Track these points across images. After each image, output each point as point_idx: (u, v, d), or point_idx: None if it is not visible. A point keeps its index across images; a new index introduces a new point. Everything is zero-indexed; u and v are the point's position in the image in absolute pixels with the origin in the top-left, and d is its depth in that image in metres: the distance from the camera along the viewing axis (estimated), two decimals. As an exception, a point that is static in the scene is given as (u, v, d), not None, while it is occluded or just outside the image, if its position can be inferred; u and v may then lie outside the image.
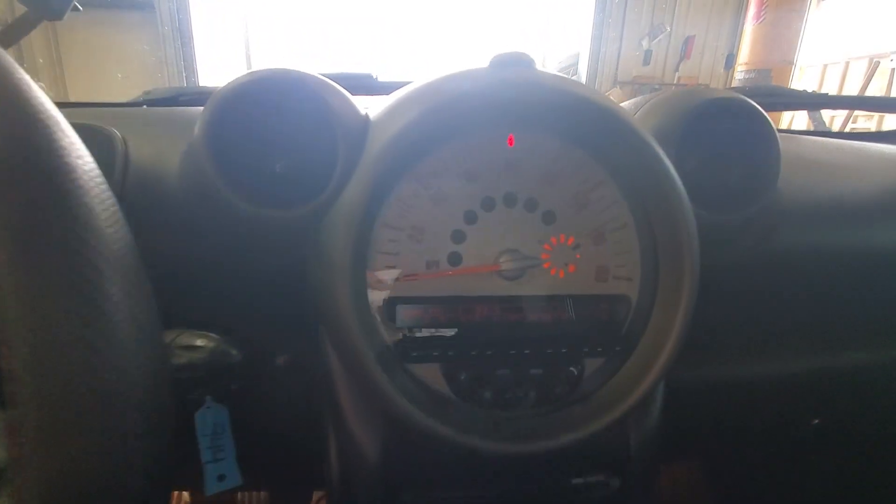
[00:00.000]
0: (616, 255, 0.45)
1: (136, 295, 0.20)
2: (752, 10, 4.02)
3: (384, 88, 0.79)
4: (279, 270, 0.46)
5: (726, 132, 0.49)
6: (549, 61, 6.02)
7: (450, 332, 0.43)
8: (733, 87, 0.78)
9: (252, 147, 0.44)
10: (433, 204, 0.43)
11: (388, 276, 0.42)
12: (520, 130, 0.44)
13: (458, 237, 0.43)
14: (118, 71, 4.13)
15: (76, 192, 0.19)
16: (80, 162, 0.20)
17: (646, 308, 0.44)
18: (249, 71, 0.43)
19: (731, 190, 0.50)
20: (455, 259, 0.43)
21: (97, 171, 0.22)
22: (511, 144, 0.44)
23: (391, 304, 0.42)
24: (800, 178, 0.56)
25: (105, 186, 0.22)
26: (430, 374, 0.43)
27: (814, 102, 0.95)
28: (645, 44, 5.32)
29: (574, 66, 5.67)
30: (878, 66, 3.44)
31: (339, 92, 0.44)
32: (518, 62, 0.43)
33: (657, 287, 0.44)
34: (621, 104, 0.54)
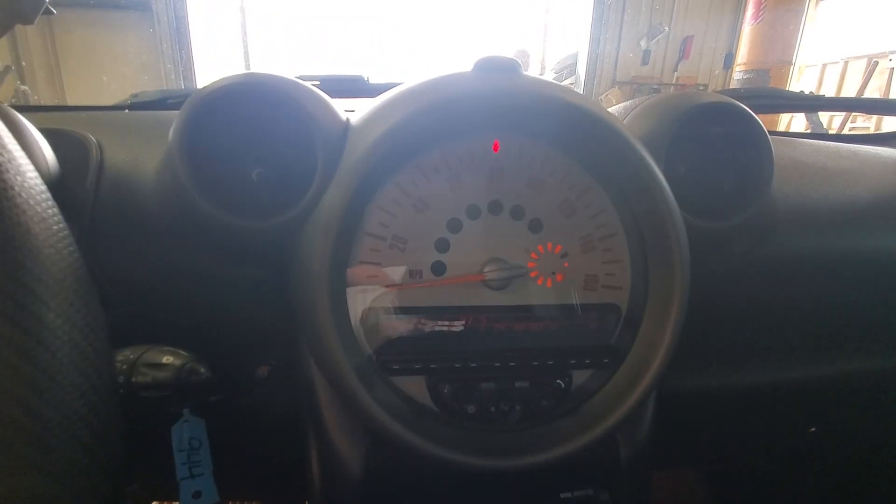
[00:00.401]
0: (605, 264, 0.44)
1: (78, 319, 0.19)
2: (750, 10, 4.01)
3: (376, 90, 0.78)
4: (259, 281, 0.45)
5: (717, 137, 0.48)
6: (549, 60, 6.01)
7: (433, 344, 0.42)
8: (730, 90, 0.77)
9: (229, 153, 0.43)
10: (416, 212, 0.42)
11: (369, 285, 0.41)
12: (505, 136, 0.43)
13: (442, 246, 0.42)
14: (116, 73, 4.12)
15: (11, 211, 0.18)
16: (18, 179, 0.19)
17: (636, 317, 0.43)
18: (225, 76, 0.42)
19: (722, 195, 0.49)
20: (439, 268, 0.42)
21: (41, 188, 0.20)
22: (496, 150, 0.43)
23: (372, 314, 0.41)
24: (794, 183, 0.55)
25: (49, 203, 0.21)
26: (414, 386, 0.41)
27: (811, 104, 0.94)
28: (643, 44, 5.31)
29: (573, 65, 5.66)
30: (876, 66, 3.44)
31: (317, 96, 0.43)
32: (503, 66, 0.42)
33: (647, 296, 0.42)
34: (610, 108, 0.53)
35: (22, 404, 0.16)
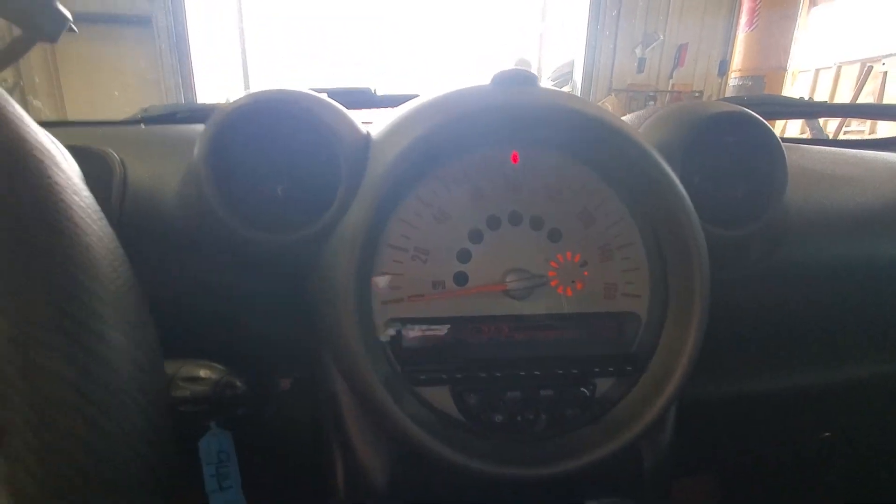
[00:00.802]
0: (624, 272, 0.45)
1: (137, 336, 0.19)
2: (744, 17, 4.06)
3: (383, 102, 0.79)
4: (281, 294, 0.45)
5: (731, 145, 0.49)
6: (545, 68, 6.06)
7: (457, 354, 0.42)
8: (735, 98, 0.78)
9: (253, 169, 0.43)
10: (437, 223, 0.42)
11: (393, 297, 0.42)
12: (523, 147, 0.43)
13: (464, 257, 0.43)
14: (116, 87, 4.14)
15: (73, 232, 0.18)
16: (76, 199, 0.19)
17: (656, 325, 0.44)
18: (249, 92, 0.42)
19: (737, 203, 0.49)
20: (461, 279, 0.43)
21: (95, 208, 0.21)
22: (515, 162, 0.43)
23: (396, 326, 0.42)
24: (802, 190, 0.56)
25: (104, 223, 0.21)
26: (439, 396, 0.42)
27: (813, 111, 0.95)
28: (639, 52, 5.37)
29: (569, 73, 5.71)
30: (871, 71, 3.47)
31: (339, 111, 0.44)
32: (521, 79, 0.43)
33: (668, 304, 0.43)
34: (623, 118, 0.53)
35: (87, 422, 0.17)
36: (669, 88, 5.47)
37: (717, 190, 0.49)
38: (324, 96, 0.45)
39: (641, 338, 0.44)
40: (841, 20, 4.82)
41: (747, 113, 0.48)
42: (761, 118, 0.48)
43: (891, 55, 4.04)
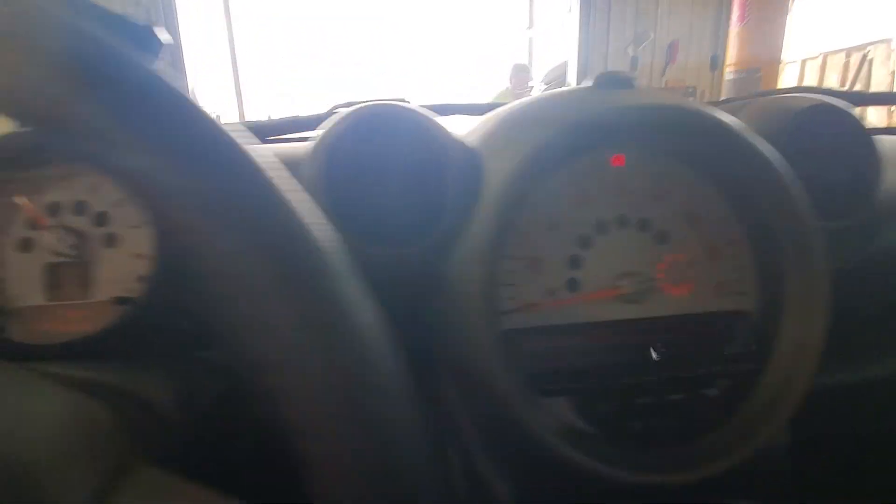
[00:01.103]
0: (732, 270, 0.44)
1: (394, 351, 0.19)
2: (735, 11, 4.10)
3: None
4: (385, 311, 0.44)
5: (824, 138, 0.49)
6: (535, 70, 6.10)
7: (580, 362, 0.41)
8: (778, 90, 0.78)
9: (356, 184, 0.43)
10: (548, 231, 0.42)
11: (510, 308, 0.41)
12: (627, 150, 0.43)
13: (575, 263, 0.42)
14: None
15: (332, 260, 0.18)
16: (312, 207, 0.19)
17: (768, 321, 0.43)
18: (355, 108, 0.42)
19: (832, 196, 0.49)
20: (573, 285, 0.42)
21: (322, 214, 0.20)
22: (621, 164, 0.43)
23: (516, 336, 0.41)
24: (891, 178, 0.56)
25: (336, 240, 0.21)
26: (562, 406, 0.41)
27: (851, 99, 0.95)
28: (631, 51, 5.41)
29: (562, 75, 5.74)
30: (864, 59, 3.51)
31: (439, 124, 0.43)
32: (621, 82, 0.43)
33: (783, 299, 0.42)
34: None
35: (374, 438, 0.16)
36: (663, 85, 5.51)
37: (814, 183, 0.49)
38: (421, 107, 0.44)
39: (755, 335, 0.44)
40: (823, 10, 4.89)
41: (837, 106, 0.48)
42: (851, 111, 0.48)
43: (875, 42, 4.09)
